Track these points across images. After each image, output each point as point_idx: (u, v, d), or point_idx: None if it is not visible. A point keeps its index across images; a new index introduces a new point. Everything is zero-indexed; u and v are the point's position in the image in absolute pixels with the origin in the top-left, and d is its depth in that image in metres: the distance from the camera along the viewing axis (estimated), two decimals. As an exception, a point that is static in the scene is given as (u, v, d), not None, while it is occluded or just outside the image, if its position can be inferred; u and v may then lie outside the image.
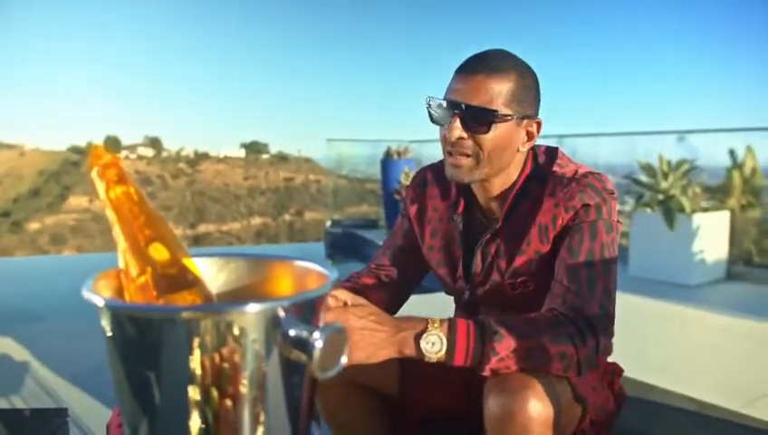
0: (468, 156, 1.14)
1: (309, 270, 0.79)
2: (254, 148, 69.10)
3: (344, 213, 8.91)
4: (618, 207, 1.17)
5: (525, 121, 1.16)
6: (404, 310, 1.28)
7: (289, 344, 0.61)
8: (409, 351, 0.99)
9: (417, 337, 0.99)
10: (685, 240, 4.43)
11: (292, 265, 0.81)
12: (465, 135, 1.12)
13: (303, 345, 0.60)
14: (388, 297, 1.32)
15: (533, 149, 1.23)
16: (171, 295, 0.70)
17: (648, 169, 4.99)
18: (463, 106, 1.11)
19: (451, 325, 0.99)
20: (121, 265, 0.71)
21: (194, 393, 0.61)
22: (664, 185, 4.75)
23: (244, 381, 0.62)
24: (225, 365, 0.60)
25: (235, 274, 0.82)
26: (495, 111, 1.10)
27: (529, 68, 1.17)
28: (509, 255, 1.19)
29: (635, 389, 2.10)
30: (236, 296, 0.81)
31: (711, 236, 4.56)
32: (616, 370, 1.28)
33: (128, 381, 0.64)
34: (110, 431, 0.90)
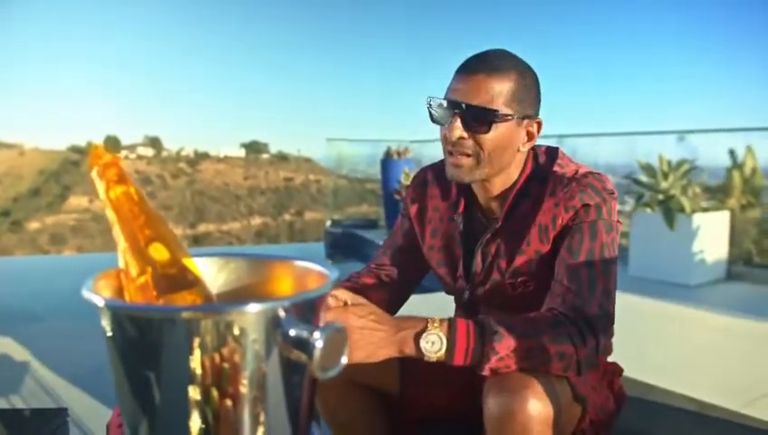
0: (469, 156, 1.14)
1: (309, 270, 0.79)
2: (253, 147, 69.14)
3: (344, 213, 8.91)
4: (618, 207, 1.17)
5: (526, 121, 1.16)
6: (404, 310, 1.28)
7: (289, 344, 0.61)
8: (409, 350, 0.99)
9: (417, 336, 0.99)
10: (685, 240, 4.43)
11: (293, 265, 0.81)
12: (465, 135, 1.12)
13: (304, 345, 0.60)
14: (389, 297, 1.32)
15: (534, 149, 1.23)
16: (171, 295, 0.70)
17: (648, 169, 4.99)
18: (463, 106, 1.11)
19: (451, 325, 1.00)
20: (121, 264, 0.71)
21: (194, 393, 0.61)
22: (664, 185, 4.75)
23: (245, 382, 0.62)
24: (226, 365, 0.60)
25: (235, 274, 0.82)
26: (496, 110, 1.10)
27: (529, 68, 1.17)
28: (509, 254, 1.19)
29: (635, 389, 2.10)
30: (236, 296, 0.81)
31: (711, 236, 4.56)
32: (616, 370, 1.28)
33: (128, 381, 0.64)
34: (110, 431, 0.90)
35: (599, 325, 1.03)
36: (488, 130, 1.11)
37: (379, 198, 7.65)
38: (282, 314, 0.62)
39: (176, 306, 0.70)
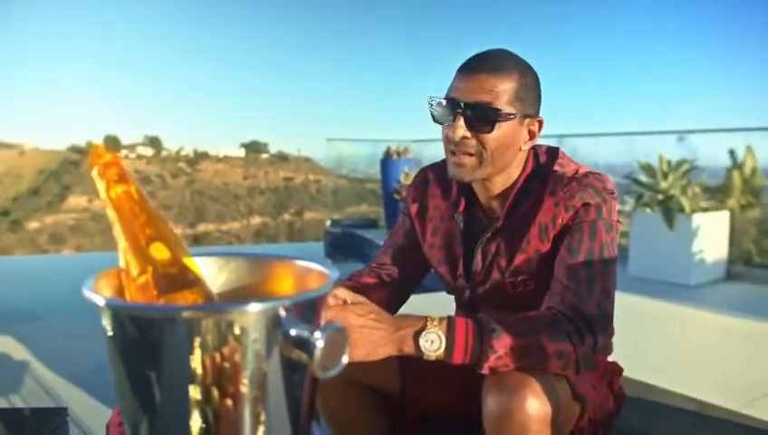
0: (472, 155, 1.14)
1: (310, 270, 0.79)
2: (253, 147, 69.08)
3: (344, 213, 8.91)
4: (618, 207, 1.17)
5: (527, 120, 1.16)
6: (405, 309, 1.28)
7: (290, 344, 0.61)
8: (408, 349, 0.99)
9: (417, 335, 0.99)
10: (684, 240, 4.43)
11: (293, 265, 0.81)
12: (468, 134, 1.12)
13: (304, 345, 0.60)
14: (389, 296, 1.32)
15: (534, 148, 1.23)
16: (172, 295, 0.70)
17: (648, 169, 4.99)
18: (467, 105, 1.11)
19: (450, 323, 1.00)
20: (122, 264, 0.71)
21: (194, 393, 0.61)
22: (664, 185, 4.75)
23: (245, 381, 0.62)
24: (226, 365, 0.60)
25: (235, 273, 0.82)
26: (499, 109, 1.10)
27: (530, 67, 1.17)
28: (509, 253, 1.19)
29: (635, 389, 2.10)
30: (237, 296, 0.81)
31: (711, 236, 4.56)
32: (616, 369, 1.29)
33: (128, 380, 0.64)
34: (111, 431, 0.90)
35: (597, 324, 1.04)
36: (491, 130, 1.11)
37: (379, 198, 7.65)
38: (282, 313, 0.62)
39: (176, 306, 0.70)
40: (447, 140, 1.16)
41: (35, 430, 1.33)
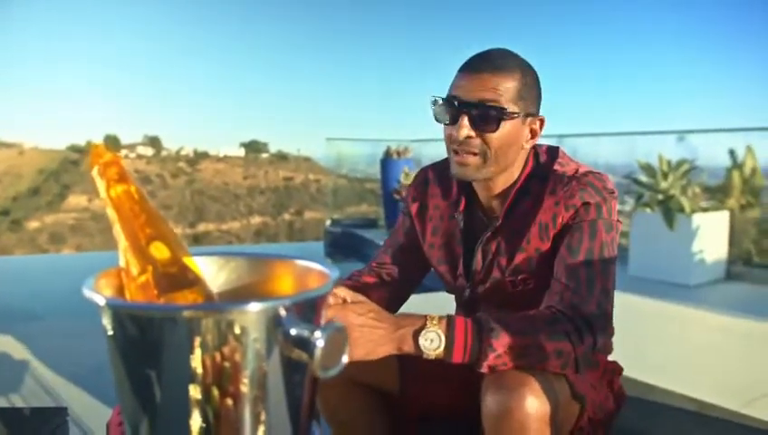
0: (475, 154, 1.14)
1: (310, 269, 0.79)
2: (253, 147, 69.08)
3: (344, 212, 8.91)
4: (618, 206, 1.17)
5: (529, 119, 1.16)
6: (405, 309, 1.28)
7: (290, 344, 0.61)
8: (408, 348, 0.99)
9: (416, 334, 0.99)
10: (684, 240, 4.43)
11: (294, 265, 0.81)
12: (473, 133, 1.12)
13: (305, 344, 0.60)
14: (389, 296, 1.32)
15: (535, 147, 1.23)
16: (172, 294, 0.70)
17: (648, 168, 4.99)
18: (471, 104, 1.11)
19: (449, 322, 1.00)
20: (122, 263, 0.71)
21: (195, 392, 0.61)
22: (664, 185, 4.75)
23: (245, 381, 0.62)
24: (226, 364, 0.60)
25: (235, 273, 0.82)
26: (504, 108, 1.10)
27: (530, 66, 1.17)
28: (509, 252, 1.19)
29: (635, 389, 2.10)
30: (237, 295, 0.81)
31: (710, 236, 4.57)
32: (616, 368, 1.29)
33: (128, 379, 0.64)
34: (111, 430, 0.90)
35: (596, 324, 1.04)
36: (496, 129, 1.11)
37: (379, 198, 7.65)
38: (283, 313, 0.62)
39: (177, 305, 0.70)
40: (451, 140, 1.15)
41: (35, 430, 1.33)
